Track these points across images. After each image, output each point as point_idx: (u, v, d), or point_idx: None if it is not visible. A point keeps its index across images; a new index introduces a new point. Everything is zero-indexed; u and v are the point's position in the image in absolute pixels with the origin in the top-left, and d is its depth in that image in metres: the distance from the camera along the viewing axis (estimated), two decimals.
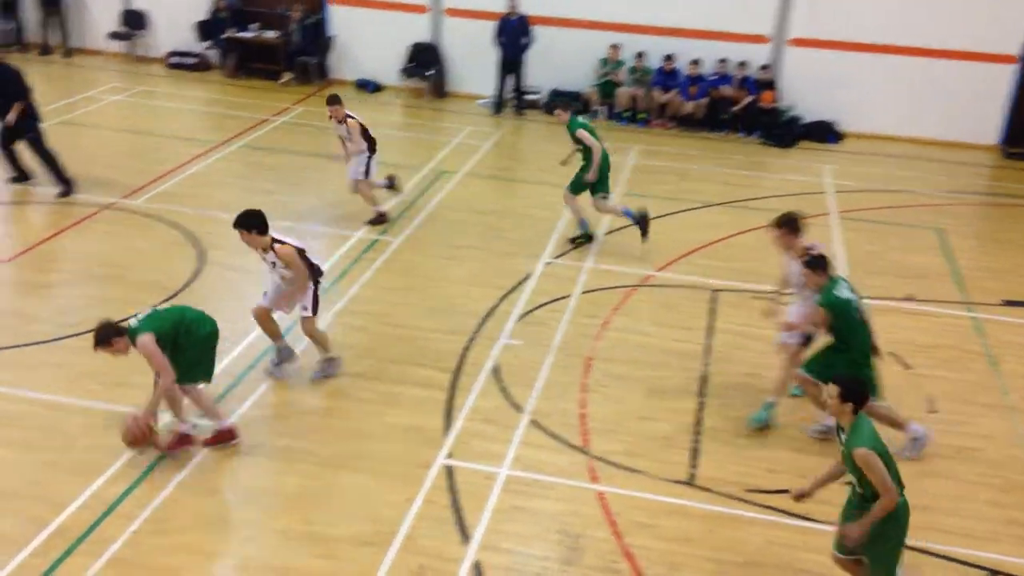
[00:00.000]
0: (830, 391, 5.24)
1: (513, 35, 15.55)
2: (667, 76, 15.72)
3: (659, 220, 11.59)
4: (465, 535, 6.13)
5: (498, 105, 16.00)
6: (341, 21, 16.73)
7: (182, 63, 16.93)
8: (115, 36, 17.08)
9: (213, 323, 6.77)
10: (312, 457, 6.84)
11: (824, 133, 15.38)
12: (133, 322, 6.40)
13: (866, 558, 5.33)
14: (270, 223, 7.22)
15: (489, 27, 15.63)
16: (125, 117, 14.35)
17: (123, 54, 17.20)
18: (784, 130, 15.21)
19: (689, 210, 12.04)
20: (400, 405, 7.53)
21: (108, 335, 6.29)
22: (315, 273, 7.51)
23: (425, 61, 16.51)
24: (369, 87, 16.78)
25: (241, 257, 9.96)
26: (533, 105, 16.14)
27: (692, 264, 10.37)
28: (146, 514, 6.10)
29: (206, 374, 6.79)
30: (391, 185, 11.19)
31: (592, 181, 10.31)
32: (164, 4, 16.91)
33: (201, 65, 16.96)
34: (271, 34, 16.74)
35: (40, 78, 15.80)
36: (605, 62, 15.81)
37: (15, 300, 8.74)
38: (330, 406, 7.48)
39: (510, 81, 15.90)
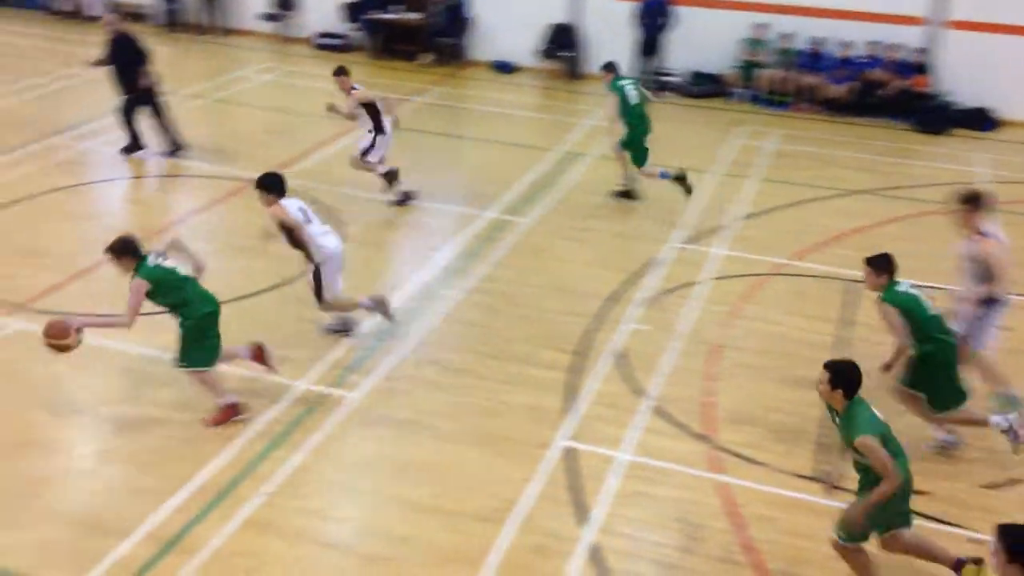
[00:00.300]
0: (821, 376, 5.12)
1: (652, 15, 15.32)
2: (814, 58, 15.14)
3: (797, 207, 11.22)
4: (583, 517, 6.14)
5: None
6: (481, 2, 16.87)
7: (328, 44, 17.47)
8: (266, 17, 17.77)
9: (214, 304, 6.77)
10: (435, 431, 6.98)
11: (979, 120, 14.48)
12: (150, 260, 6.54)
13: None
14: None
15: (628, 8, 15.44)
16: (272, 96, 14.93)
17: (273, 35, 17.88)
18: (935, 116, 14.41)
19: (830, 198, 11.60)
20: (522, 384, 7.59)
21: (125, 249, 6.49)
22: (314, 254, 7.60)
23: (562, 42, 16.48)
24: (505, 68, 16.88)
25: (377, 232, 10.28)
26: (671, 87, 15.86)
27: (830, 253, 10.00)
28: (280, 478, 6.38)
29: (210, 356, 6.77)
30: (404, 200, 10.82)
31: (632, 141, 10.85)
32: None
33: (346, 46, 17.45)
34: (414, 15, 17.05)
35: (197, 57, 16.68)
36: (748, 43, 15.37)
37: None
38: (454, 383, 7.61)
39: (648, 62, 15.68)
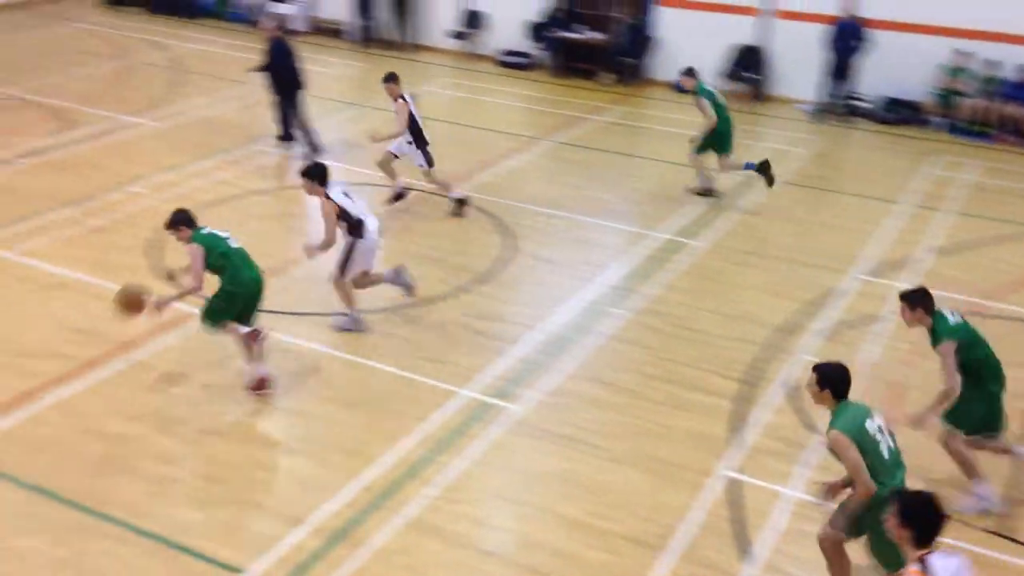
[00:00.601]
0: (809, 378, 5.12)
1: (845, 38, 14.73)
2: (1021, 88, 14.12)
3: (995, 244, 10.49)
4: (745, 552, 5.92)
5: (822, 112, 15.25)
6: (665, 23, 16.75)
7: (512, 61, 17.81)
8: (454, 35, 18.33)
9: (250, 286, 7.28)
10: (596, 449, 6.93)
11: None
12: (204, 230, 7.19)
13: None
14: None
15: (819, 29, 14.92)
16: (455, 110, 15.36)
17: (460, 52, 18.42)
18: None
19: None
20: (687, 409, 7.43)
21: (178, 222, 7.16)
22: (354, 235, 8.00)
23: (748, 63, 16.11)
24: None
25: (548, 248, 10.35)
26: (861, 112, 15.19)
27: None
28: (442, 482, 6.50)
29: (217, 321, 7.30)
30: (401, 196, 11.02)
31: (710, 142, 11.41)
32: (502, 5, 17.87)
33: (529, 64, 17.74)
34: (597, 35, 17.14)
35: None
36: (949, 70, 14.51)
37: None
38: (618, 402, 7.54)
39: (838, 86, 15.09)
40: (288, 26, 12.93)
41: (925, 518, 4.05)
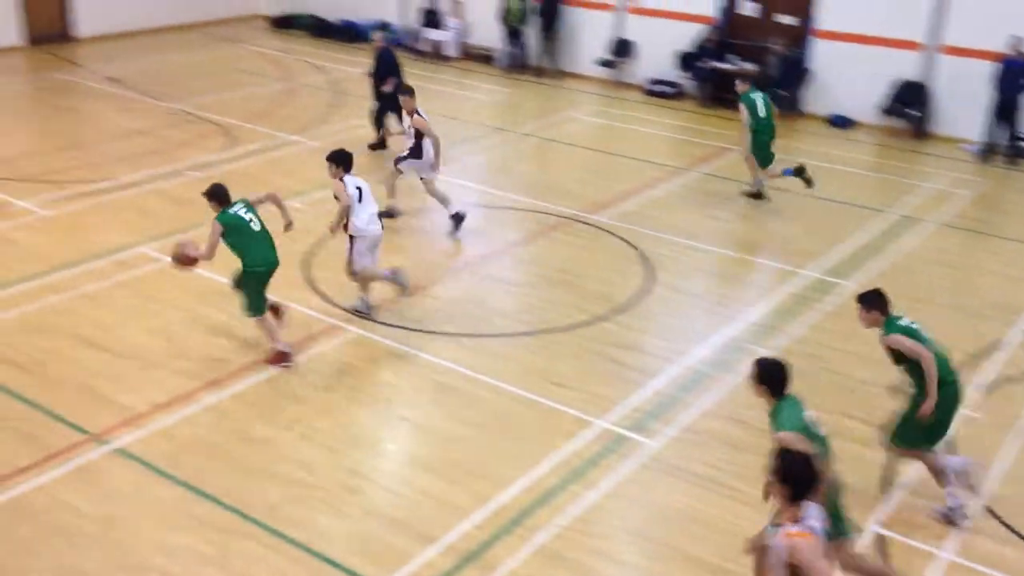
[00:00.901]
0: (751, 372, 5.32)
1: (1013, 76, 13.96)
2: None
3: None
4: None
5: (987, 152, 14.47)
6: (822, 54, 16.30)
7: (659, 91, 17.72)
8: (602, 63, 18.39)
9: (266, 266, 7.86)
10: (732, 491, 6.73)
11: None
12: (231, 210, 7.80)
13: None
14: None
15: (986, 67, 14.19)
16: (599, 138, 15.37)
17: (607, 80, 18.46)
18: None
19: None
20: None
21: (212, 194, 7.86)
22: (350, 226, 8.50)
23: (908, 99, 15.47)
24: (842, 123, 16.14)
25: (689, 280, 10.18)
26: None
27: None
28: (574, 512, 6.45)
29: (258, 305, 7.93)
30: (390, 215, 10.92)
31: (761, 148, 12.06)
32: (651, 34, 17.81)
33: (677, 94, 17.60)
34: (749, 66, 16.85)
35: (533, 98, 17.59)
36: None
37: (487, 294, 9.76)
38: (756, 443, 7.28)
39: (1005, 127, 14.29)
40: (387, 42, 13.99)
41: (801, 476, 4.36)
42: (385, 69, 13.50)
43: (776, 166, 12.24)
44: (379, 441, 7.38)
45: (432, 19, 19.94)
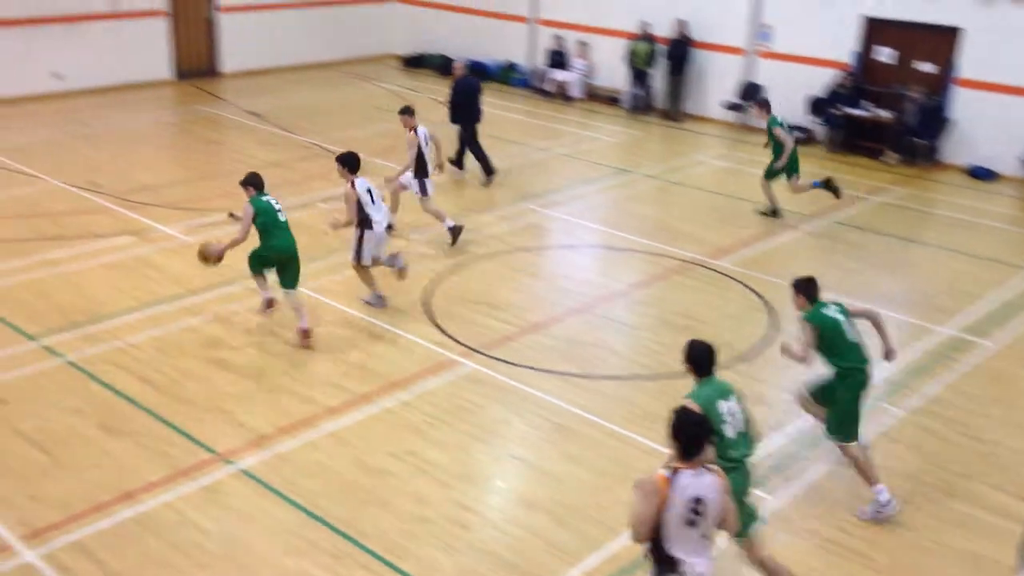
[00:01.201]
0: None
1: None
2: None
3: None
4: None
5: None
6: (963, 104, 15.66)
7: None
8: (730, 106, 18.17)
9: (282, 251, 8.79)
10: (859, 556, 6.40)
11: None
12: (263, 197, 8.76)
13: None
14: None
15: None
16: (724, 182, 15.12)
17: (734, 124, 18.21)
18: None
19: None
20: (968, 528, 6.70)
21: (249, 182, 8.81)
22: (363, 225, 9.27)
23: None
24: (983, 175, 15.43)
25: None
26: None
27: None
28: None
29: (292, 282, 8.94)
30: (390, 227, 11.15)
31: (780, 169, 12.85)
32: (781, 78, 17.51)
33: (806, 139, 17.20)
34: (885, 113, 16.34)
35: (658, 140, 17.50)
36: None
37: (604, 335, 9.66)
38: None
39: None
40: (459, 69, 14.51)
41: (690, 435, 4.65)
42: (462, 96, 14.11)
43: (804, 181, 13.12)
44: (491, 477, 7.36)
45: (558, 60, 20.16)
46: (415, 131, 11.56)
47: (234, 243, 8.88)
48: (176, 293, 9.96)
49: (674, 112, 18.72)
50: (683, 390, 8.55)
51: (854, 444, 6.85)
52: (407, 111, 11.74)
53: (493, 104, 19.29)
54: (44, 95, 17.52)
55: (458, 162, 14.49)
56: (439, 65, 21.80)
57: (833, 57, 16.89)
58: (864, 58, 16.76)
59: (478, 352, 9.02)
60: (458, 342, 9.20)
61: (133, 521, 6.47)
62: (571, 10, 20.04)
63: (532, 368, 8.74)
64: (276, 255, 8.90)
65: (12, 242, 11.04)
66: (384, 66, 22.36)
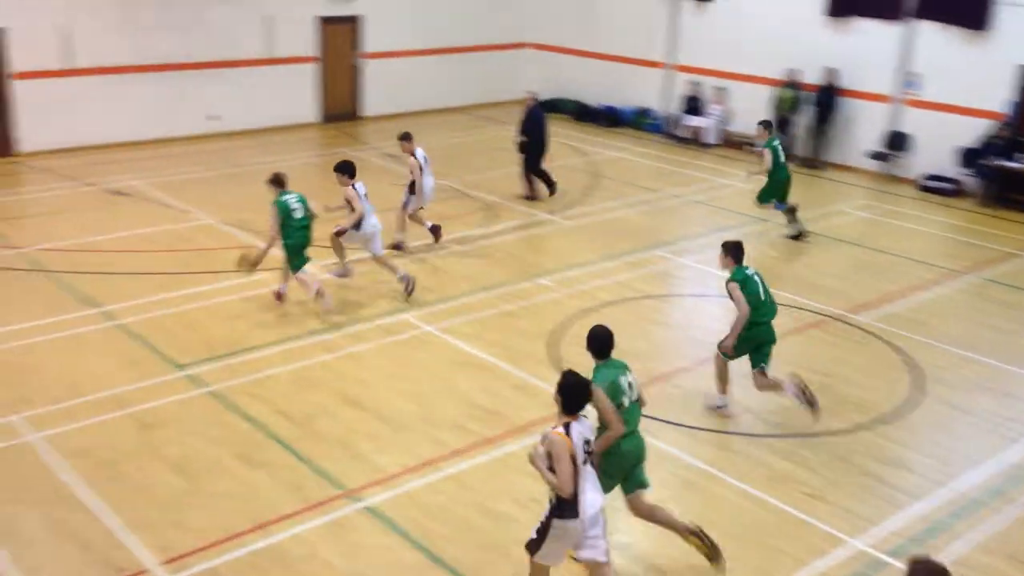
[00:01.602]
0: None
1: None
2: None
3: None
4: None
5: None
6: None
7: (935, 187, 16.64)
8: (874, 156, 17.56)
9: (297, 239, 10.24)
10: None
11: None
12: (284, 196, 10.24)
13: None
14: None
15: None
16: (865, 233, 14.58)
17: (879, 173, 17.58)
18: None
19: None
20: None
21: (274, 182, 10.40)
22: (355, 226, 10.82)
23: None
24: None
25: (963, 395, 9.30)
26: None
27: None
28: None
29: (298, 265, 10.40)
30: (400, 246, 12.68)
31: (768, 191, 13.56)
32: (930, 128, 16.83)
33: (955, 191, 16.45)
34: None
35: (798, 188, 16.99)
36: None
37: (735, 388, 9.31)
38: None
39: None
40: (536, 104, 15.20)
41: (574, 393, 5.57)
42: (530, 125, 15.16)
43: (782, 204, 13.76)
44: (615, 532, 7.19)
45: (694, 106, 20.00)
46: (414, 155, 12.63)
47: (268, 247, 10.42)
48: (312, 329, 10.28)
49: (816, 160, 18.23)
50: (819, 451, 8.31)
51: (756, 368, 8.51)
52: (406, 137, 12.84)
53: (626, 149, 19.31)
54: (199, 136, 18.59)
55: (530, 195, 15.41)
56: (572, 110, 21.99)
57: (986, 106, 16.12)
58: (1021, 108, 15.93)
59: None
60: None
61: (264, 552, 6.65)
62: (709, 56, 19.89)
63: (659, 419, 8.57)
64: (296, 242, 10.32)
65: (165, 275, 11.68)
66: (518, 111, 22.69)
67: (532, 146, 15.18)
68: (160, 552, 6.60)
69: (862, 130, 17.80)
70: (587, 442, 5.59)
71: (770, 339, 8.51)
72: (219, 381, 9.04)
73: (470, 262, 12.50)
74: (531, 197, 15.31)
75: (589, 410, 5.76)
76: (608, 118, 21.35)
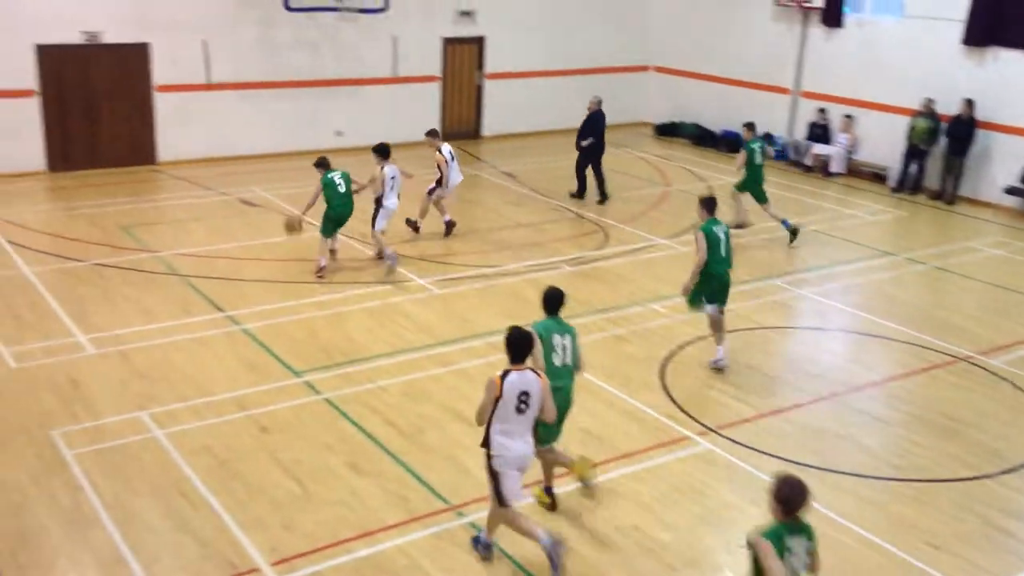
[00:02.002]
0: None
1: None
2: None
3: None
4: None
5: None
6: None
7: None
8: (1012, 191, 16.71)
9: (337, 211, 12.24)
10: None
11: None
12: (329, 174, 12.24)
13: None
14: None
15: None
16: (1001, 272, 13.86)
17: (1016, 210, 16.72)
18: None
19: None
20: None
21: (319, 164, 12.50)
22: (378, 203, 12.58)
23: None
24: None
25: None
26: None
27: None
28: None
29: (329, 231, 12.39)
30: (415, 226, 14.17)
31: (742, 186, 14.82)
32: None
33: None
34: None
35: (926, 223, 16.40)
36: None
37: (853, 428, 9.03)
38: None
39: None
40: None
41: (515, 345, 6.39)
42: (589, 129, 16.32)
43: (777, 212, 14.81)
44: (718, 568, 7.03)
45: (820, 133, 19.49)
46: (440, 151, 13.83)
47: (307, 208, 12.28)
48: (424, 342, 10.45)
49: (948, 193, 17.47)
50: (942, 499, 7.92)
51: (709, 307, 9.85)
52: (432, 134, 14.18)
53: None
54: (327, 150, 19.14)
55: (580, 193, 16.70)
56: (694, 134, 21.75)
57: None
58: None
59: (713, 431, 8.75)
60: (693, 418, 8.97)
61: (368, 560, 6.77)
62: (838, 82, 19.37)
63: (771, 455, 8.33)
64: (336, 216, 12.22)
65: (289, 283, 12.09)
66: (637, 133, 22.60)
67: (595, 148, 16.41)
68: (270, 553, 6.80)
69: (999, 164, 16.97)
70: (524, 393, 6.34)
71: (725, 287, 9.87)
72: (334, 389, 9.28)
73: (581, 284, 12.48)
74: (580, 195, 16.60)
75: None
76: (730, 143, 21.01)
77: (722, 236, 9.68)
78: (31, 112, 16.43)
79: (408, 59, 19.82)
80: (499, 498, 6.58)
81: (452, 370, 9.84)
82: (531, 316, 11.43)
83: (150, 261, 12.69)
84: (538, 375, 6.43)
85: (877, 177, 18.61)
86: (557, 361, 7.08)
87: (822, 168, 19.24)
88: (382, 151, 12.59)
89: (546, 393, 6.45)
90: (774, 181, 18.56)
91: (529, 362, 6.54)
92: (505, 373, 6.33)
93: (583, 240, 14.47)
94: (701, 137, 21.65)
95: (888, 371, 10.37)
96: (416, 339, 10.54)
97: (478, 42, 20.84)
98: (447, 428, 8.66)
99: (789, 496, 5.13)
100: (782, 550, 5.07)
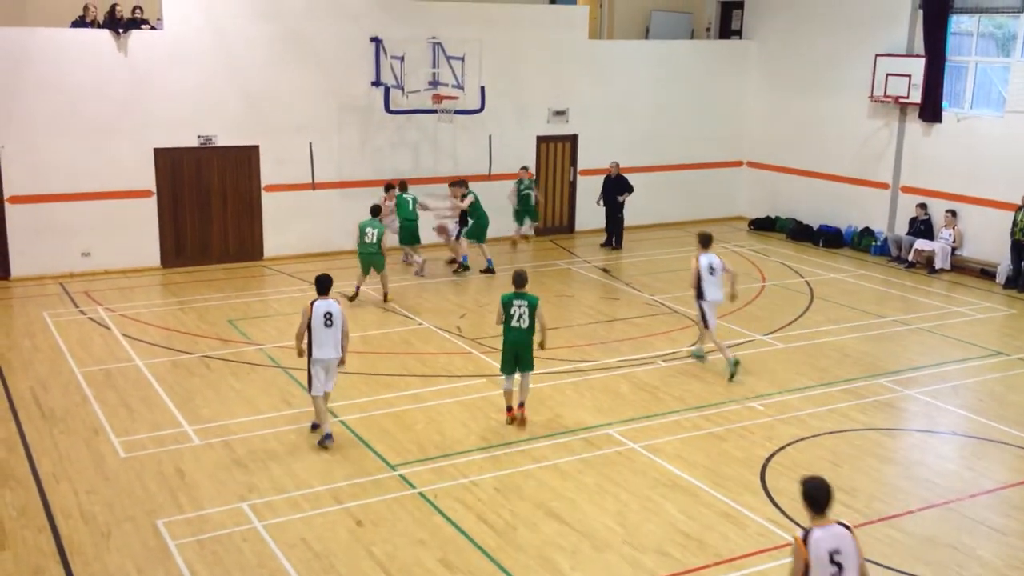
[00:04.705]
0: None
1: None
2: None
3: None
4: None
5: None
6: None
7: None
8: None
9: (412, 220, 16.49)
10: None
11: None
12: (401, 195, 16.48)
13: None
14: None
15: None
16: None
17: None
18: None
19: None
20: None
21: (396, 187, 16.74)
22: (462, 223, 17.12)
23: None
24: None
25: None
26: None
27: None
28: None
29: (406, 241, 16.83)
30: (414, 262, 17.56)
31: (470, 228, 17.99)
32: None
33: None
34: None
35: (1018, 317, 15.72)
36: None
37: (968, 538, 8.54)
38: None
39: None
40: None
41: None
42: (613, 187, 19.73)
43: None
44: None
45: (921, 228, 19.05)
46: (463, 198, 17.23)
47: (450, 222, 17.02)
48: (517, 437, 10.43)
49: None
50: None
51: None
52: (460, 184, 17.47)
53: (845, 271, 18.61)
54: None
55: (614, 242, 20.22)
56: (790, 229, 21.53)
57: None
58: None
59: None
60: (797, 524, 8.63)
61: None
62: (938, 177, 19.01)
63: (881, 565, 7.93)
64: (402, 228, 16.50)
65: (384, 376, 12.29)
66: (732, 228, 22.51)
67: (611, 204, 19.91)
68: None
69: None
70: (327, 315, 9.58)
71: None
72: (428, 483, 9.31)
73: (677, 380, 12.32)
74: (609, 243, 20.23)
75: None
76: (827, 238, 20.71)
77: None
78: (148, 211, 17.42)
79: (502, 157, 20.32)
80: (310, 385, 9.92)
81: (545, 466, 9.77)
82: (625, 412, 11.44)
83: (254, 354, 13.10)
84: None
85: (984, 273, 18.01)
86: (513, 322, 10.24)
87: (926, 264, 18.73)
88: (399, 185, 17.08)
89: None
90: (876, 277, 18.21)
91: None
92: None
93: (677, 335, 14.34)
94: (797, 231, 21.41)
95: (1003, 477, 9.84)
96: (509, 434, 10.53)
97: (571, 140, 21.27)
98: (540, 526, 8.55)
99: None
100: None
